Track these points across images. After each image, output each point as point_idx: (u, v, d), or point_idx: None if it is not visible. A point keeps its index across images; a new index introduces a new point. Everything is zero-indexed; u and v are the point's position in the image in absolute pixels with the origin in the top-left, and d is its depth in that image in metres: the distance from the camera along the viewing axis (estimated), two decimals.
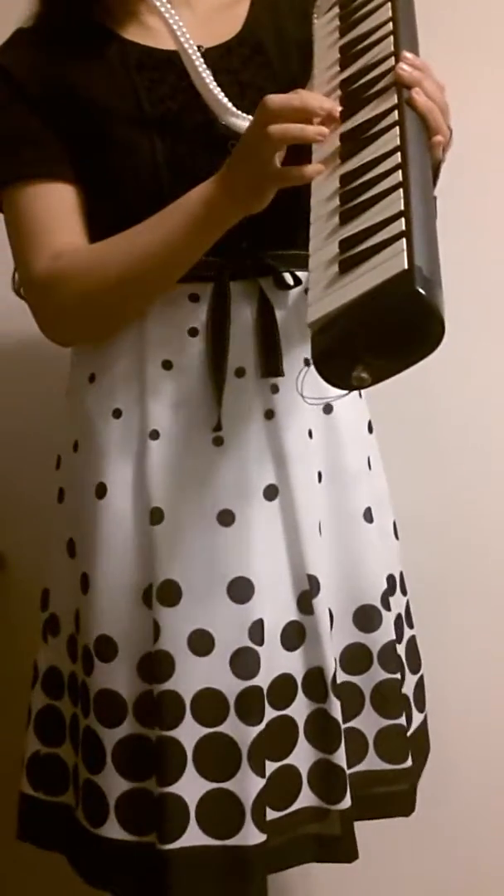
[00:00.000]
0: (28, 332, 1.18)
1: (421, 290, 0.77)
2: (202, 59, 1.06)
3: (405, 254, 0.79)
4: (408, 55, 0.94)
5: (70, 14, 1.12)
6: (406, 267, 0.78)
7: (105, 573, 1.11)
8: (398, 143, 0.88)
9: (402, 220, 0.82)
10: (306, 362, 1.13)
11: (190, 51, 1.06)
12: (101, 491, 1.11)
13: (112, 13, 1.14)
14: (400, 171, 0.86)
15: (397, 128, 0.90)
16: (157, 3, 1.07)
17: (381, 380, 0.82)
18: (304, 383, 1.00)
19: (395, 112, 0.91)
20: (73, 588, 1.16)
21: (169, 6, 1.07)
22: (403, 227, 0.81)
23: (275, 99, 0.93)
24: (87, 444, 1.15)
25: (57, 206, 1.10)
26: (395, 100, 0.92)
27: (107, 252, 1.06)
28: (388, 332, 0.80)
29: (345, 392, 0.85)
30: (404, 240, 0.80)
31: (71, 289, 1.07)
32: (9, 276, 1.18)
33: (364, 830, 1.17)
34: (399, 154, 0.87)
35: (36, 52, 1.12)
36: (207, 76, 1.06)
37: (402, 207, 0.83)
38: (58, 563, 1.20)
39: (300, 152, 0.97)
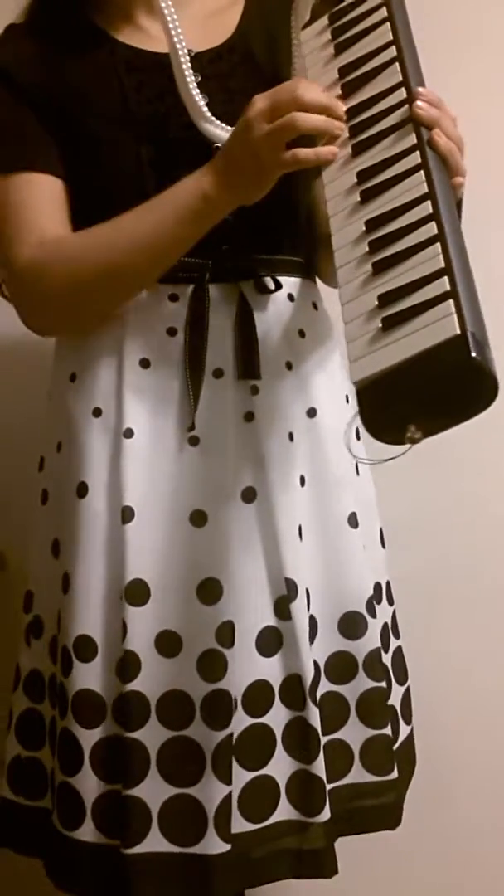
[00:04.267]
0: (22, 332, 1.19)
1: (476, 356, 0.78)
2: (189, 62, 1.06)
3: (455, 317, 0.79)
4: (422, 91, 0.93)
5: (63, 12, 1.15)
6: (458, 332, 0.79)
7: (84, 573, 1.10)
8: (426, 189, 0.88)
9: (445, 278, 0.82)
10: (288, 365, 1.13)
11: (180, 50, 1.06)
12: (83, 490, 1.11)
13: (105, 13, 1.15)
14: (434, 223, 0.86)
15: (422, 172, 0.90)
16: (162, 3, 1.07)
17: (433, 434, 0.82)
18: (351, 437, 1.02)
19: (417, 153, 0.91)
20: (55, 589, 1.16)
21: (171, 6, 1.07)
22: (448, 287, 0.81)
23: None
24: (69, 443, 1.15)
25: (43, 197, 1.11)
26: (414, 139, 0.91)
27: (92, 240, 1.07)
28: (439, 395, 0.81)
29: (401, 452, 0.85)
30: (452, 301, 0.80)
31: (55, 276, 1.08)
32: None
33: (355, 843, 1.14)
34: (430, 202, 0.87)
35: (28, 48, 1.14)
36: (191, 79, 1.06)
37: (443, 264, 0.83)
38: (41, 565, 1.20)
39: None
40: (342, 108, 0.97)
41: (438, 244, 0.84)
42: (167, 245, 1.04)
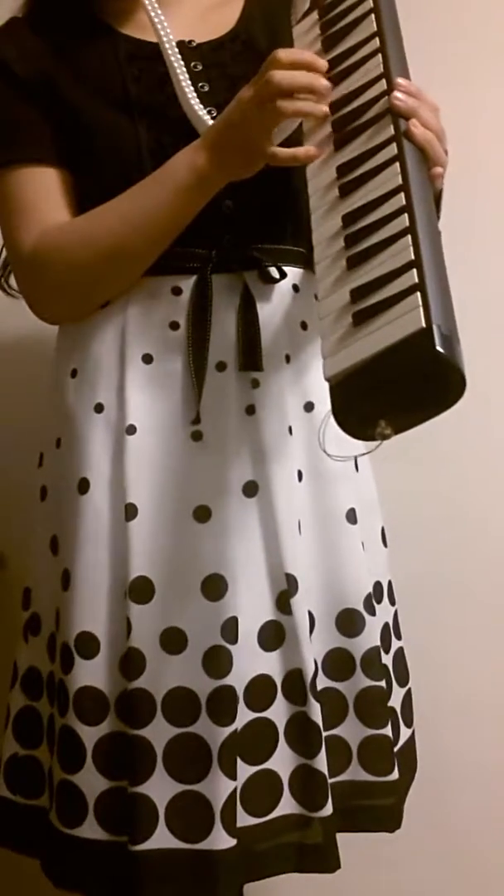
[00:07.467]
0: (22, 329, 1.19)
1: (441, 350, 0.77)
2: (178, 53, 1.08)
3: (421, 310, 0.79)
4: (401, 82, 0.93)
5: (64, 4, 1.15)
6: (424, 325, 0.78)
7: (86, 570, 1.10)
8: (400, 181, 0.88)
9: (414, 271, 0.81)
10: (287, 358, 1.13)
11: (167, 44, 1.07)
12: (84, 486, 1.11)
13: (106, 8, 1.16)
14: (406, 215, 0.85)
15: (397, 164, 0.89)
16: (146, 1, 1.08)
17: (404, 430, 0.82)
18: (324, 434, 1.00)
19: (393, 145, 0.90)
20: (54, 586, 1.15)
21: (155, 3, 1.08)
22: (416, 280, 0.81)
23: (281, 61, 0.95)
24: (69, 439, 1.14)
25: (46, 188, 1.12)
26: (391, 131, 0.91)
27: (93, 224, 1.08)
28: (407, 389, 0.81)
29: (372, 447, 0.85)
30: (419, 294, 0.80)
31: (59, 262, 1.09)
32: None
33: (355, 843, 1.14)
34: (403, 195, 0.87)
35: (28, 39, 1.14)
36: (182, 72, 1.07)
37: (413, 257, 0.82)
38: (40, 562, 1.19)
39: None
40: (324, 66, 0.97)
41: (409, 236, 0.84)
42: (163, 221, 1.05)
